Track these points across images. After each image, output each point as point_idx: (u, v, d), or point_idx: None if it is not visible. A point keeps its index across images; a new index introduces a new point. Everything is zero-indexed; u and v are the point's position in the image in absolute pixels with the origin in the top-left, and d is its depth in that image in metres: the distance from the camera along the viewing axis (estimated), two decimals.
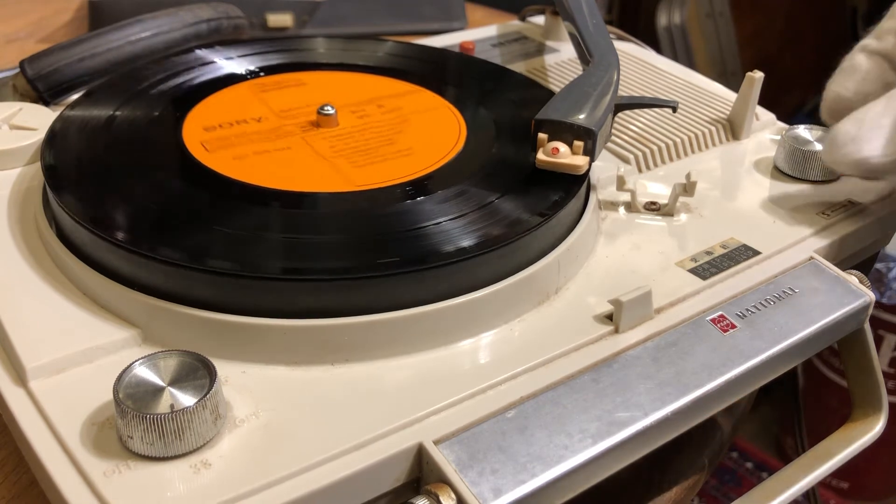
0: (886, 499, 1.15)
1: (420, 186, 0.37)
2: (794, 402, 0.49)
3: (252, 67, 0.48)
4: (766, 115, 0.50)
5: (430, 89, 0.47)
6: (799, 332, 0.35)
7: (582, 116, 0.38)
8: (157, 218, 0.34)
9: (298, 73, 0.48)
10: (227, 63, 0.48)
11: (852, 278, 0.38)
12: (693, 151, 0.47)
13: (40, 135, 0.41)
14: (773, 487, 0.36)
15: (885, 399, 0.40)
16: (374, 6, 0.74)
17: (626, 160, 0.45)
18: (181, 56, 0.48)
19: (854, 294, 0.37)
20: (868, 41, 0.44)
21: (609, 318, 0.34)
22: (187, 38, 0.52)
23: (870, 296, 0.38)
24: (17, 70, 0.47)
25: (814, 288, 0.37)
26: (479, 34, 0.61)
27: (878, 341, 1.02)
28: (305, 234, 0.33)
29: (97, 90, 0.45)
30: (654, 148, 0.45)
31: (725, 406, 0.34)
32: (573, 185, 0.38)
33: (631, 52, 0.57)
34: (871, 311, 0.38)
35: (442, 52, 0.52)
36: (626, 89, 0.51)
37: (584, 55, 0.47)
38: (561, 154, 0.38)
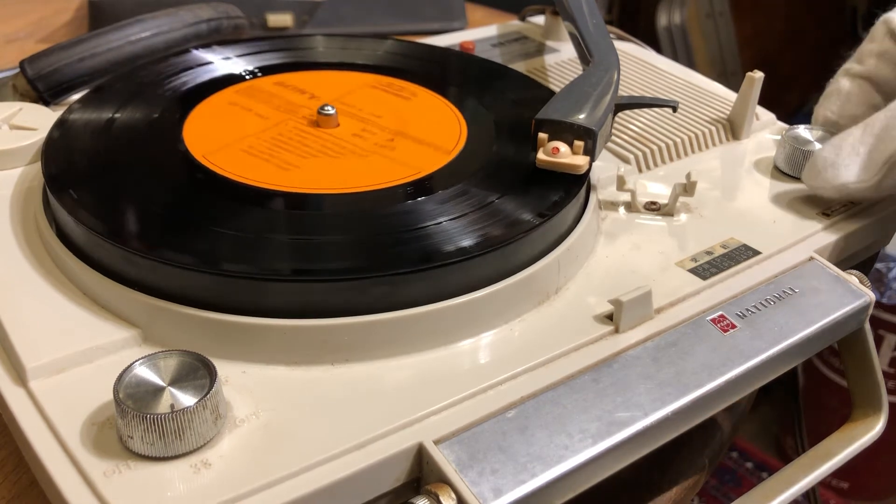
0: (886, 499, 1.15)
1: (420, 186, 0.37)
2: (794, 402, 0.49)
3: (252, 67, 0.48)
4: (766, 115, 0.50)
5: (431, 89, 0.47)
6: (799, 332, 0.35)
7: (582, 116, 0.38)
8: (158, 218, 0.34)
9: (298, 72, 0.48)
10: (226, 63, 0.48)
11: (852, 278, 0.38)
12: (693, 151, 0.47)
13: (40, 135, 0.41)
14: (773, 487, 0.36)
15: (885, 399, 0.40)
16: (374, 6, 0.74)
17: (626, 160, 0.45)
18: (181, 56, 0.48)
19: (854, 294, 0.37)
20: (850, 65, 0.46)
21: (609, 318, 0.34)
22: (187, 38, 0.52)
23: (870, 296, 0.38)
24: (17, 70, 0.47)
25: (814, 288, 0.37)
26: (479, 34, 0.61)
27: (878, 341, 1.02)
28: (306, 235, 0.33)
29: (98, 90, 0.45)
30: (654, 148, 0.45)
31: (725, 406, 0.34)
32: (573, 184, 0.38)
33: (631, 52, 0.57)
34: (871, 311, 0.38)
35: (442, 51, 0.52)
36: (626, 89, 0.51)
37: (584, 55, 0.47)
38: (561, 154, 0.38)
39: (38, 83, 0.47)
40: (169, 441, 0.26)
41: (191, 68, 0.47)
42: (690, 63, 1.31)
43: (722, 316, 0.35)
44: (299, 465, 0.27)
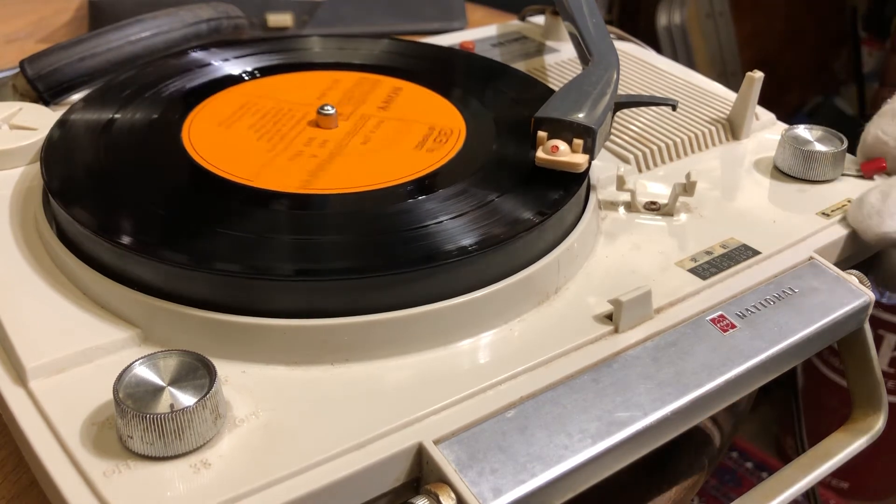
0: (886, 499, 1.15)
1: (420, 185, 0.37)
2: (794, 402, 0.49)
3: (251, 68, 0.48)
4: (765, 115, 0.50)
5: (430, 88, 0.47)
6: (799, 332, 0.35)
7: (581, 115, 0.38)
8: (157, 218, 0.34)
9: (297, 73, 0.48)
10: (226, 64, 0.48)
11: (852, 278, 0.38)
12: (693, 151, 0.47)
13: (40, 135, 0.41)
14: (773, 487, 0.36)
15: (885, 399, 0.40)
16: (374, 6, 0.74)
17: (626, 160, 0.45)
18: (181, 57, 0.48)
19: (854, 294, 0.37)
20: None
21: (609, 317, 0.34)
22: (187, 38, 0.52)
23: (870, 296, 0.38)
24: (17, 70, 0.47)
25: (814, 288, 0.37)
26: (479, 34, 0.61)
27: (878, 341, 1.02)
28: (305, 235, 0.33)
29: (98, 91, 0.45)
30: (654, 148, 0.45)
31: (725, 406, 0.34)
32: (573, 183, 0.38)
33: (631, 52, 0.57)
34: (870, 310, 0.38)
35: (441, 50, 0.52)
36: (626, 89, 0.51)
37: (584, 55, 0.47)
38: (560, 152, 0.38)
39: (38, 83, 0.47)
40: (168, 441, 0.26)
41: (191, 69, 0.47)
42: (690, 63, 1.31)
43: (722, 316, 0.35)
44: (299, 464, 0.27)
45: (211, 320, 0.31)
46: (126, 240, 0.32)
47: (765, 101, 0.50)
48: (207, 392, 0.27)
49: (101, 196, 0.35)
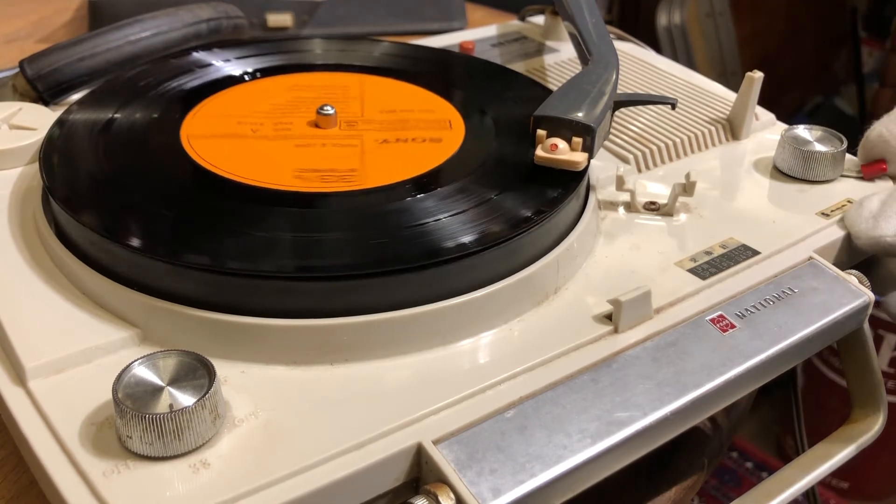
0: (886, 499, 1.15)
1: (419, 184, 0.37)
2: (794, 402, 0.49)
3: (251, 68, 0.48)
4: (765, 115, 0.50)
5: (430, 88, 0.47)
6: (798, 332, 0.35)
7: (581, 113, 0.38)
8: (157, 218, 0.34)
9: (297, 73, 0.48)
10: (225, 65, 0.48)
11: (852, 278, 0.38)
12: (693, 151, 0.47)
13: (40, 135, 0.41)
14: (773, 487, 0.36)
15: (885, 399, 0.40)
16: (373, 6, 0.74)
17: (625, 160, 0.45)
18: (181, 57, 0.48)
19: (854, 294, 0.37)
20: None
21: (608, 318, 0.34)
22: (187, 38, 0.52)
23: (869, 296, 0.38)
24: (17, 70, 0.47)
25: (813, 288, 0.37)
26: (478, 34, 0.61)
27: (878, 341, 1.02)
28: (304, 233, 0.33)
29: (97, 91, 0.45)
30: (654, 148, 0.45)
31: (725, 406, 0.34)
32: (572, 181, 0.38)
33: (631, 52, 0.57)
34: (870, 310, 0.38)
35: (441, 52, 0.53)
36: (626, 89, 0.51)
37: (584, 55, 0.47)
38: (560, 150, 0.38)
39: (38, 83, 0.47)
40: (168, 441, 0.26)
41: (190, 69, 0.47)
42: (690, 63, 1.31)
43: (721, 316, 0.35)
44: (298, 464, 0.27)
45: (210, 320, 0.31)
46: (125, 239, 0.32)
47: (765, 101, 0.50)
48: (207, 392, 0.27)
49: (101, 196, 0.35)
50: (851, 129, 0.48)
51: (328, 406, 0.29)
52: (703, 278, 0.37)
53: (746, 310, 0.36)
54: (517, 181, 0.38)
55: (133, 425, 0.26)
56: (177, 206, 0.35)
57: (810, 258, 0.39)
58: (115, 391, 0.27)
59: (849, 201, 0.43)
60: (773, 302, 0.36)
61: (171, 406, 0.27)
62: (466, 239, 0.33)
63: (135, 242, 0.32)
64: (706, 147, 0.47)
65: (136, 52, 0.50)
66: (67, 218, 0.34)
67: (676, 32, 1.33)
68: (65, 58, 0.47)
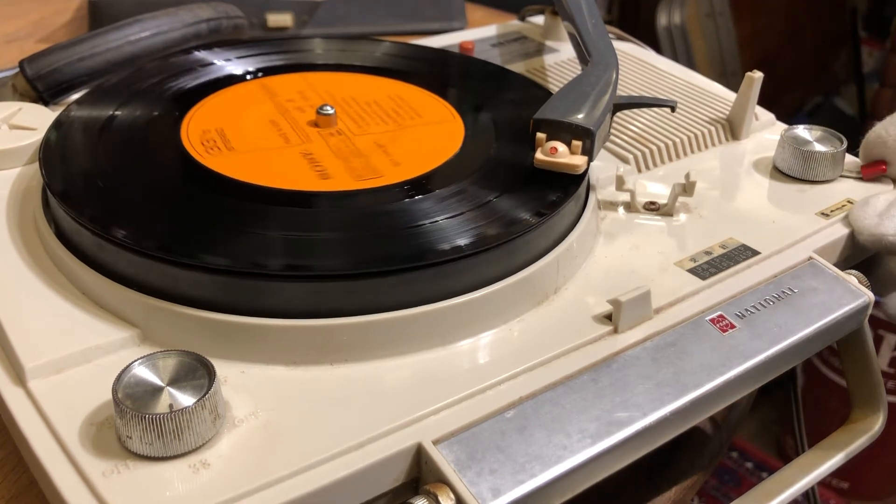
0: (886, 499, 1.15)
1: (419, 186, 0.37)
2: (794, 402, 0.49)
3: (251, 68, 0.48)
4: (765, 115, 0.50)
5: (429, 89, 0.47)
6: (798, 333, 0.35)
7: (580, 116, 0.38)
8: (156, 217, 0.34)
9: (297, 73, 0.48)
10: (225, 64, 0.48)
11: (851, 278, 0.38)
12: (692, 151, 0.47)
13: (40, 135, 0.41)
14: (773, 487, 0.36)
15: (885, 399, 0.40)
16: (373, 6, 0.74)
17: (625, 160, 0.45)
18: (180, 56, 0.48)
19: (853, 294, 0.37)
20: None
21: (608, 318, 0.34)
22: (187, 38, 0.52)
23: (869, 296, 0.38)
24: (17, 70, 0.47)
25: (813, 288, 0.37)
26: (478, 34, 0.61)
27: (878, 341, 1.02)
28: (304, 233, 0.33)
29: (97, 90, 0.45)
30: (654, 148, 0.45)
31: (724, 406, 0.34)
32: (572, 184, 0.38)
33: (631, 52, 0.57)
34: (870, 310, 0.38)
35: (441, 53, 0.53)
36: (626, 89, 0.51)
37: (584, 55, 0.47)
38: (559, 153, 0.37)
39: (38, 83, 0.47)
40: (167, 441, 0.26)
41: (190, 69, 0.47)
42: (690, 63, 1.31)
43: (721, 316, 0.35)
44: (298, 465, 0.27)
45: (210, 320, 0.31)
46: (125, 239, 0.32)
47: (765, 101, 0.50)
48: (206, 392, 0.27)
49: (100, 195, 0.35)
50: (851, 129, 0.48)
51: (328, 406, 0.29)
52: (703, 278, 0.37)
53: (746, 310, 0.36)
54: (517, 183, 0.38)
55: (133, 425, 0.26)
56: (176, 205, 0.35)
57: (810, 258, 0.39)
58: (114, 391, 0.27)
59: (849, 201, 0.43)
60: (773, 302, 0.36)
61: (170, 406, 0.27)
62: (466, 240, 0.33)
63: (135, 242, 0.32)
64: (706, 147, 0.47)
65: (136, 52, 0.50)
66: (67, 218, 0.34)
67: (676, 32, 1.33)
68: (65, 58, 0.47)
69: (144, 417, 0.26)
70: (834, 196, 0.44)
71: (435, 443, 0.28)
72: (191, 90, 0.45)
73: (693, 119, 0.48)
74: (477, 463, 0.28)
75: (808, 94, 1.46)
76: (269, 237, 0.33)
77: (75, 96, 0.47)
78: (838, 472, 1.00)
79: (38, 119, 0.43)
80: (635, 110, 0.48)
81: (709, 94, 0.51)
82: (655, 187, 0.43)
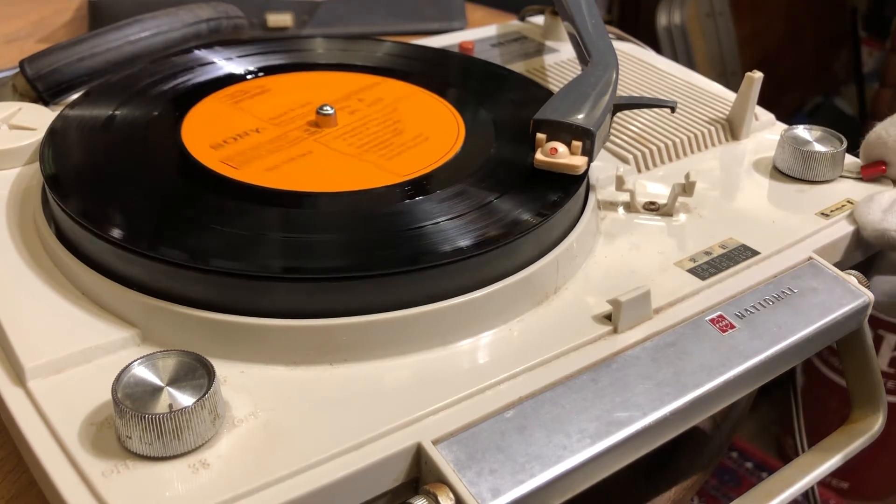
0: (886, 499, 1.15)
1: (419, 186, 0.37)
2: (794, 402, 0.49)
3: (251, 67, 0.48)
4: (765, 115, 0.50)
5: (429, 89, 0.47)
6: (798, 333, 0.35)
7: (580, 116, 0.38)
8: (156, 217, 0.34)
9: (297, 72, 0.48)
10: (226, 63, 0.48)
11: (851, 278, 0.38)
12: (692, 151, 0.47)
13: (40, 135, 0.41)
14: (772, 487, 0.36)
15: (885, 399, 0.40)
16: (373, 6, 0.74)
17: (625, 160, 0.45)
18: (180, 56, 0.48)
19: (853, 294, 0.37)
20: None
21: (608, 318, 0.34)
22: (187, 38, 0.52)
23: (869, 296, 0.38)
24: (17, 70, 0.47)
25: (813, 288, 0.37)
26: (478, 34, 0.61)
27: (878, 341, 1.02)
28: (304, 234, 0.33)
29: (96, 90, 0.45)
30: (654, 148, 0.45)
31: (724, 406, 0.34)
32: (572, 185, 0.38)
33: (631, 52, 0.57)
34: (870, 311, 0.38)
35: (441, 52, 0.52)
36: (626, 89, 0.51)
37: (584, 55, 0.47)
38: (559, 154, 0.37)
39: (38, 83, 0.47)
40: (167, 441, 0.26)
41: (189, 68, 0.47)
42: (690, 63, 1.31)
43: (721, 316, 0.35)
44: (298, 465, 0.27)
45: (210, 320, 0.31)
46: (125, 239, 0.32)
47: (765, 101, 0.50)
48: (206, 392, 0.27)
49: (100, 195, 0.35)
50: (851, 129, 0.48)
51: (328, 406, 0.29)
52: (703, 278, 0.37)
53: (746, 310, 0.36)
54: (517, 184, 0.38)
55: (132, 425, 0.26)
56: (176, 205, 0.35)
57: (810, 258, 0.39)
58: (114, 391, 0.27)
59: (849, 201, 0.43)
60: (773, 302, 0.36)
61: (170, 406, 0.27)
62: (466, 240, 0.33)
63: (134, 242, 0.32)
64: (706, 147, 0.47)
65: (135, 52, 0.50)
66: (67, 218, 0.34)
67: (676, 32, 1.33)
68: (65, 58, 0.47)
69: (144, 417, 0.26)
70: (834, 196, 0.44)
71: (435, 443, 0.28)
72: (191, 89, 0.45)
73: (693, 119, 0.48)
74: (477, 463, 0.28)
75: (808, 94, 1.46)
76: (269, 238, 0.33)
77: (75, 96, 0.47)
78: (838, 472, 1.00)
79: (38, 119, 0.43)
80: (635, 110, 0.48)
81: (709, 94, 0.51)
82: (655, 187, 0.43)
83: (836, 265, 0.39)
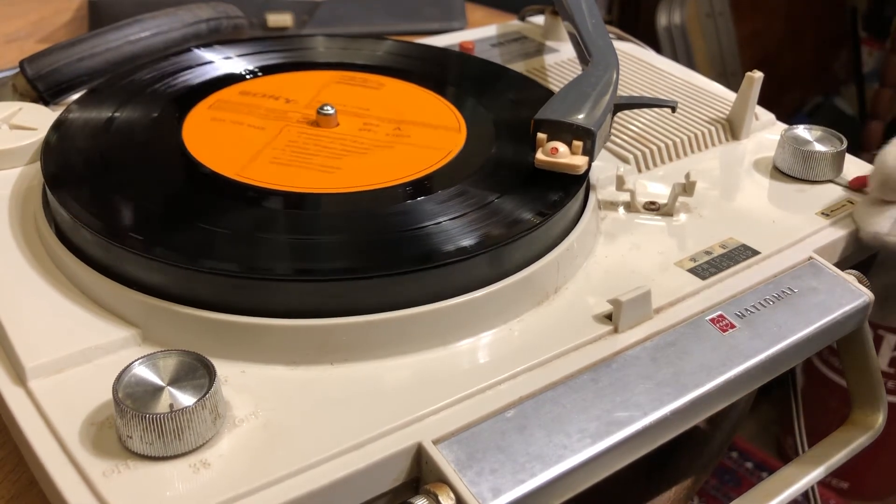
0: (886, 499, 1.15)
1: (420, 186, 0.37)
2: (794, 402, 0.49)
3: (251, 67, 0.48)
4: (765, 115, 0.50)
5: (431, 89, 0.47)
6: (798, 332, 0.35)
7: (581, 116, 0.38)
8: (157, 218, 0.34)
9: (297, 72, 0.48)
10: (226, 63, 0.48)
11: (851, 278, 0.38)
12: (692, 151, 0.47)
13: (40, 134, 0.41)
14: (772, 487, 0.36)
15: (885, 399, 0.40)
16: (373, 6, 0.74)
17: (625, 160, 0.45)
18: (180, 56, 0.48)
19: (853, 294, 0.37)
20: None
21: (608, 317, 0.34)
22: (187, 38, 0.52)
23: (869, 296, 0.38)
24: (17, 70, 0.47)
25: (813, 288, 0.37)
26: (478, 34, 0.61)
27: (878, 341, 1.02)
28: (305, 235, 0.33)
29: (97, 90, 0.45)
30: (654, 148, 0.45)
31: (724, 406, 0.34)
32: (572, 184, 0.38)
33: (631, 52, 0.57)
34: (870, 310, 0.38)
35: (442, 52, 0.52)
36: (626, 89, 0.51)
37: (584, 55, 0.47)
38: (560, 154, 0.38)
39: (38, 83, 0.47)
40: (168, 441, 0.26)
41: (190, 68, 0.47)
42: (690, 63, 1.31)
43: (721, 316, 0.35)
44: (298, 464, 0.27)
45: (210, 320, 0.31)
46: (125, 239, 0.32)
47: (765, 101, 0.50)
48: (207, 392, 0.27)
49: (101, 196, 0.35)
50: (851, 129, 0.48)
51: (328, 406, 0.29)
52: (703, 278, 0.37)
53: (746, 310, 0.36)
54: (518, 184, 0.38)
55: (133, 425, 0.26)
56: (177, 205, 0.35)
57: (810, 258, 0.39)
58: (115, 391, 0.27)
59: (849, 202, 0.43)
60: (773, 302, 0.36)
61: (171, 406, 0.27)
62: (466, 241, 0.33)
63: (135, 242, 0.32)
64: (706, 147, 0.47)
65: (135, 52, 0.50)
66: (68, 218, 0.34)
67: (676, 32, 1.33)
68: (65, 58, 0.47)
69: (145, 417, 0.26)
70: (834, 196, 0.44)
71: (435, 442, 0.28)
72: (191, 89, 0.45)
73: (693, 119, 0.48)
74: (477, 463, 0.28)
75: (808, 94, 1.46)
76: (270, 238, 0.33)
77: (76, 96, 0.47)
78: (838, 472, 1.00)
79: (39, 119, 0.43)
80: (635, 110, 0.48)
81: (709, 94, 0.51)
82: (655, 187, 0.43)
83: (837, 265, 0.39)
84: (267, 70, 0.48)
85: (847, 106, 1.46)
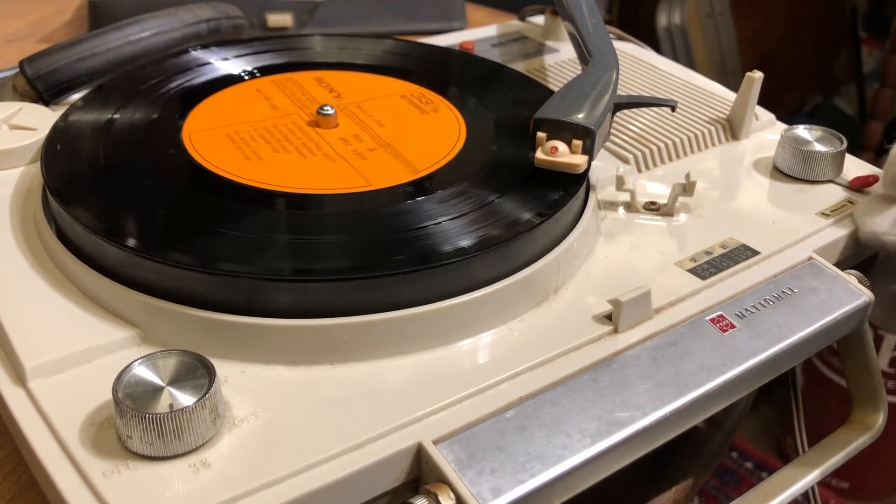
0: (886, 499, 1.15)
1: (420, 186, 0.37)
2: (794, 402, 0.49)
3: (251, 67, 0.48)
4: (765, 115, 0.50)
5: (430, 88, 0.47)
6: (798, 332, 0.35)
7: (581, 115, 0.38)
8: (157, 218, 0.34)
9: (297, 72, 0.48)
10: (226, 63, 0.48)
11: (852, 278, 0.38)
12: (692, 151, 0.47)
13: (40, 135, 0.41)
14: (772, 487, 0.36)
15: (885, 399, 0.40)
16: (373, 6, 0.74)
17: (625, 160, 0.45)
18: (181, 56, 0.48)
19: (853, 294, 0.37)
20: None
21: (608, 317, 0.34)
22: (187, 38, 0.52)
23: (869, 296, 0.38)
24: (17, 70, 0.47)
25: (813, 288, 0.37)
26: (478, 34, 0.61)
27: (878, 341, 1.02)
28: (305, 235, 0.33)
29: (97, 91, 0.45)
30: (654, 148, 0.45)
31: (724, 406, 0.34)
32: (572, 184, 0.38)
33: (631, 52, 0.57)
34: (870, 310, 0.38)
35: (442, 51, 0.52)
36: (626, 89, 0.51)
37: (584, 55, 0.47)
38: (560, 153, 0.38)
39: (38, 83, 0.47)
40: (168, 441, 0.26)
41: (190, 68, 0.47)
42: (690, 63, 1.31)
43: (721, 316, 0.35)
44: (298, 465, 0.27)
45: (210, 320, 0.31)
46: (125, 240, 0.32)
47: (765, 101, 0.50)
48: (207, 392, 0.27)
49: (101, 196, 0.35)
50: (851, 129, 0.48)
51: (328, 406, 0.29)
52: (703, 278, 0.37)
53: (746, 310, 0.36)
54: (518, 183, 0.38)
55: (133, 425, 0.26)
56: (177, 206, 0.35)
57: (810, 258, 0.39)
58: (115, 391, 0.27)
59: (849, 202, 0.43)
60: (773, 302, 0.36)
61: (171, 406, 0.27)
62: (467, 241, 0.33)
63: (135, 243, 0.32)
64: (706, 147, 0.47)
65: (136, 52, 0.50)
66: (68, 218, 0.34)
67: (676, 32, 1.33)
68: (65, 58, 0.47)
69: (145, 417, 0.26)
70: (834, 196, 0.44)
71: (435, 442, 0.28)
72: (192, 90, 0.45)
73: (693, 119, 0.48)
74: (477, 463, 0.28)
75: (808, 94, 1.46)
76: (270, 238, 0.33)
77: (76, 96, 0.47)
78: (838, 472, 1.00)
79: (39, 119, 0.43)
80: (635, 110, 0.48)
81: (709, 94, 0.51)
82: (655, 187, 0.43)
83: (837, 265, 0.39)
84: (268, 70, 0.48)
85: (847, 106, 1.46)
